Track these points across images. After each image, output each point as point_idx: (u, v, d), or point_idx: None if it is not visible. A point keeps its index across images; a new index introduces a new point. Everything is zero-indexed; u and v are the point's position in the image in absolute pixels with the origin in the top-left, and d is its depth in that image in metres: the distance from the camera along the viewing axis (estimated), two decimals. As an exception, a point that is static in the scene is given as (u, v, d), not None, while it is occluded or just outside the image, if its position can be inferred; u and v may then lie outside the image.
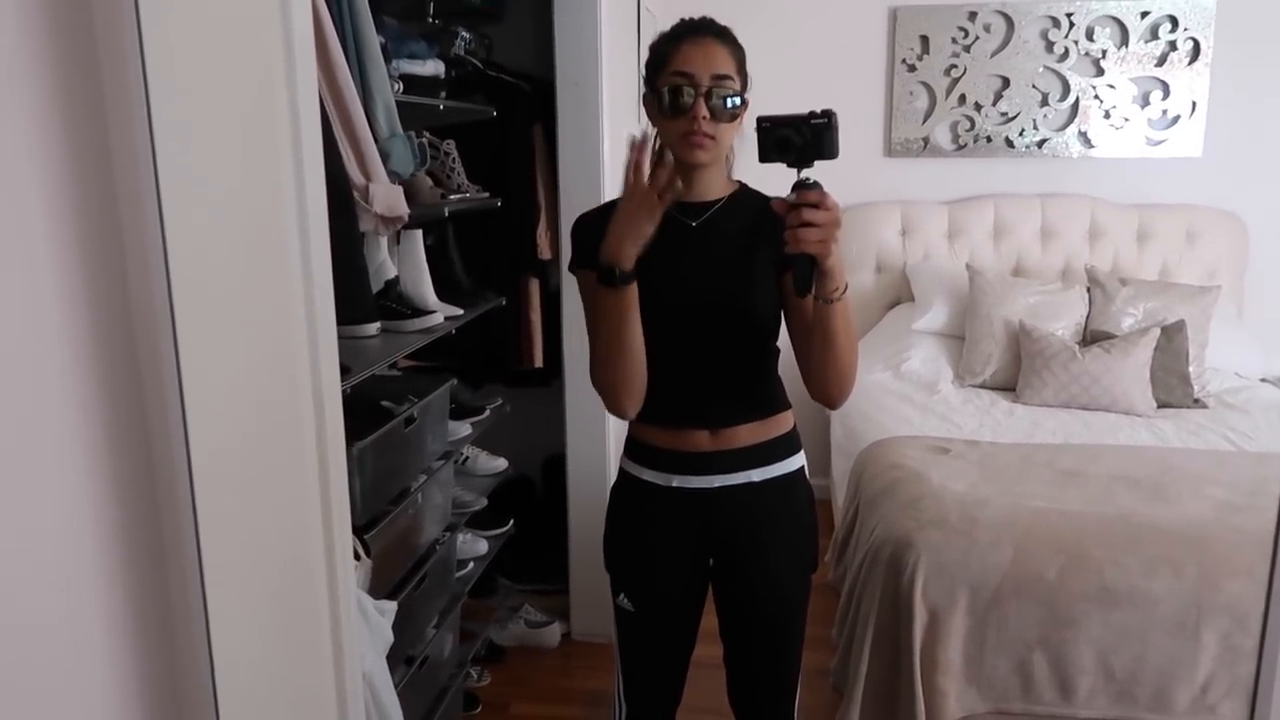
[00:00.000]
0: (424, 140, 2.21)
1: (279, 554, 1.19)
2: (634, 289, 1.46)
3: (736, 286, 1.55)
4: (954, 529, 2.16)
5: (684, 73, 1.46)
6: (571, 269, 1.64)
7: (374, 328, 2.27)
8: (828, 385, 1.51)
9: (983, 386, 3.36)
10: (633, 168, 1.39)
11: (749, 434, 1.60)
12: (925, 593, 2.09)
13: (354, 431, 1.81)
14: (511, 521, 2.80)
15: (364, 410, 2.09)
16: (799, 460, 1.65)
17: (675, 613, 1.68)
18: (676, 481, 1.61)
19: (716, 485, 1.60)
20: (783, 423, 1.64)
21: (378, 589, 1.97)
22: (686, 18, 1.54)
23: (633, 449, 1.67)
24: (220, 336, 1.06)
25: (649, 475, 1.63)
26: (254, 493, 1.13)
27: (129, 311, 0.96)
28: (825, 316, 1.44)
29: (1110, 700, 2.08)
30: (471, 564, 2.56)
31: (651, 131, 1.51)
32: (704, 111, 1.45)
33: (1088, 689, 2.08)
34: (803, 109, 1.38)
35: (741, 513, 1.61)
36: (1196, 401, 3.16)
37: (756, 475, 1.60)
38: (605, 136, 2.73)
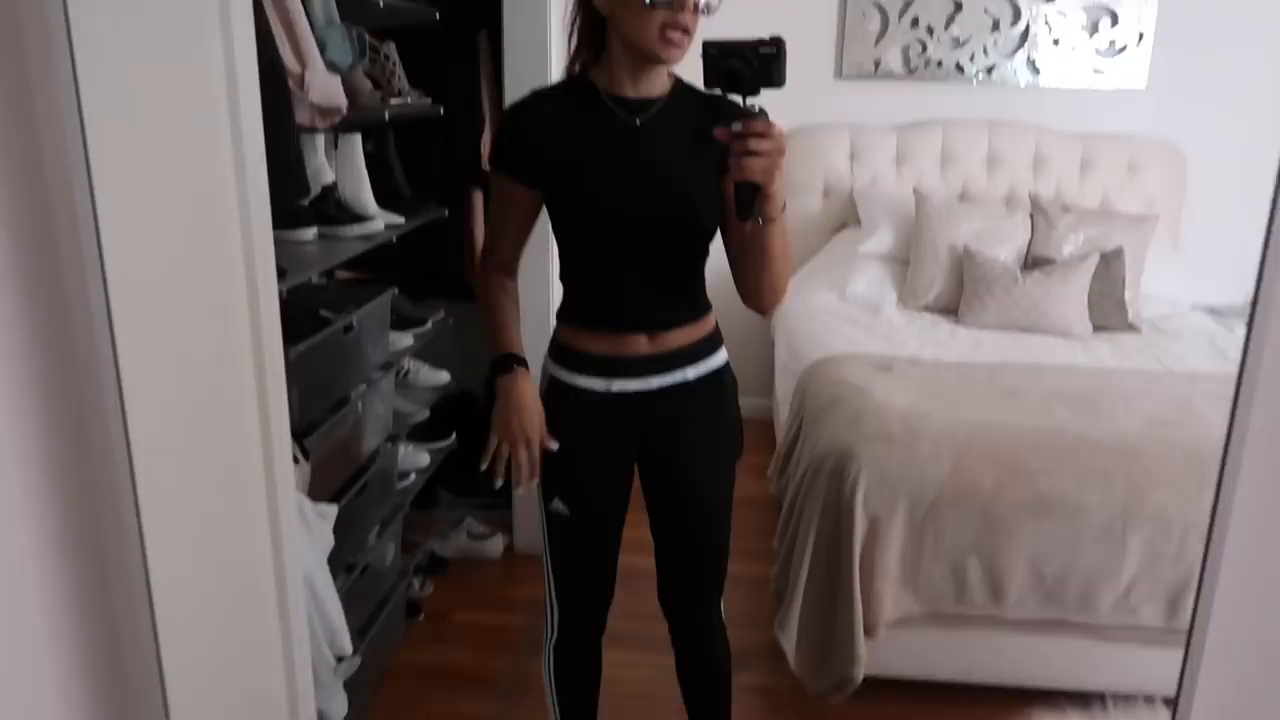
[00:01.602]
0: (363, 34, 2.12)
1: (216, 456, 1.15)
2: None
3: (681, 192, 1.52)
4: (896, 441, 2.19)
5: None
6: (491, 165, 1.59)
7: (311, 232, 2.20)
8: (761, 296, 1.56)
9: (926, 310, 3.39)
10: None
11: (684, 336, 1.61)
12: (866, 502, 2.13)
13: (292, 338, 1.76)
14: (454, 435, 2.77)
15: (302, 318, 2.03)
16: (724, 354, 1.69)
17: (609, 514, 1.69)
18: (616, 386, 1.61)
19: (655, 386, 1.61)
20: (710, 321, 1.67)
21: (317, 494, 1.93)
22: None
23: (564, 356, 1.63)
24: (148, 234, 1.00)
25: (585, 381, 1.61)
26: (190, 394, 1.08)
27: (49, 209, 0.89)
28: (764, 235, 1.46)
29: (1039, 603, 2.15)
30: (413, 476, 2.53)
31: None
32: (695, 1, 1.40)
33: (1018, 593, 2.14)
34: (755, 29, 1.36)
35: (676, 409, 1.63)
36: (1131, 326, 3.24)
37: (691, 373, 1.63)
38: (553, 45, 2.65)
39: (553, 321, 1.68)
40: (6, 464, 0.87)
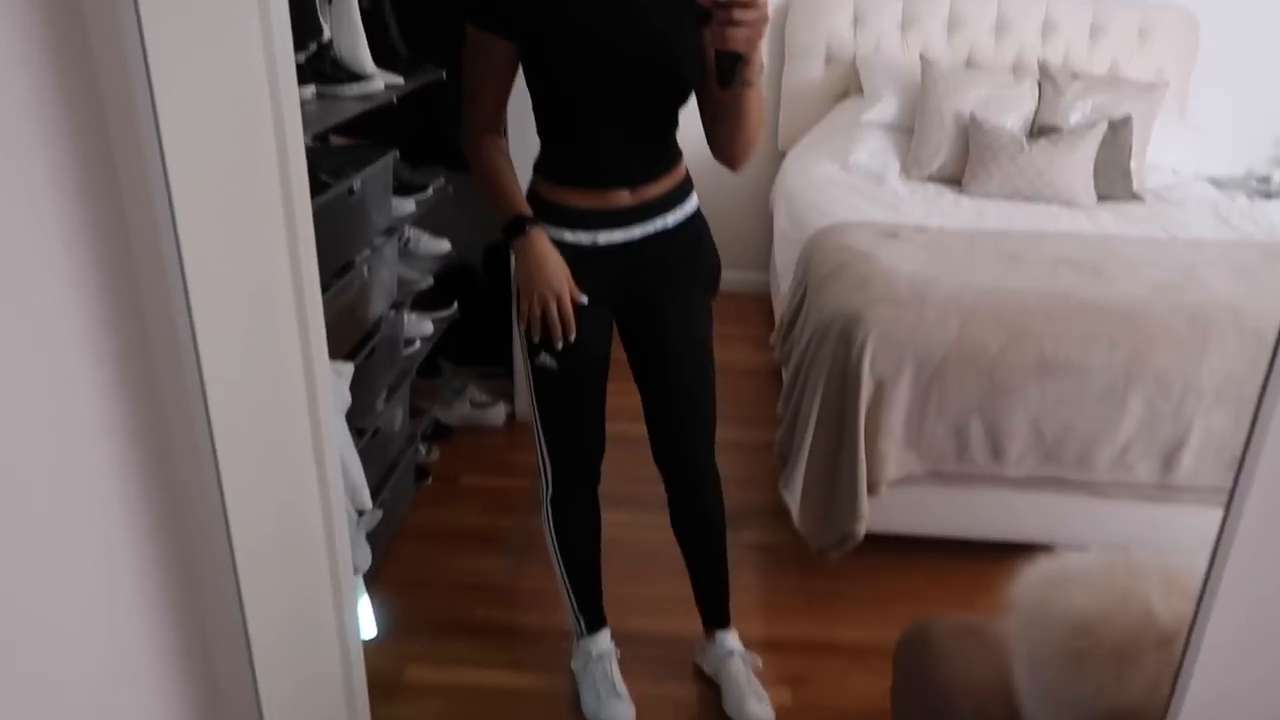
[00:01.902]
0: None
1: (255, 305, 1.14)
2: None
3: (663, 43, 1.52)
4: (903, 304, 2.20)
5: None
6: (469, 20, 1.54)
7: (309, 91, 2.13)
8: (734, 154, 1.62)
9: (929, 180, 3.35)
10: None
11: (662, 185, 1.65)
12: (873, 364, 2.15)
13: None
14: (455, 304, 2.76)
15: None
16: (695, 198, 1.73)
17: (596, 365, 1.72)
18: (602, 239, 1.63)
19: (638, 235, 1.65)
20: (683, 168, 1.70)
21: (330, 356, 1.93)
22: None
23: (547, 211, 1.63)
24: (189, 75, 0.96)
25: (570, 236, 1.63)
26: (232, 245, 1.06)
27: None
28: (740, 98, 1.49)
29: (1038, 461, 2.20)
30: (418, 343, 2.53)
31: None
32: None
33: (1018, 452, 2.19)
34: None
35: (658, 253, 1.67)
36: (1135, 195, 3.22)
37: (670, 219, 1.67)
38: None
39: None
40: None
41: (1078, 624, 1.09)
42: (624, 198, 1.62)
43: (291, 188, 1.16)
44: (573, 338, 1.60)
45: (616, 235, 1.64)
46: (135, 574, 1.00)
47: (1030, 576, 1.23)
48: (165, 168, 0.90)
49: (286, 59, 1.13)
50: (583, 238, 1.63)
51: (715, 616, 2.01)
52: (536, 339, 1.60)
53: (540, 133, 1.63)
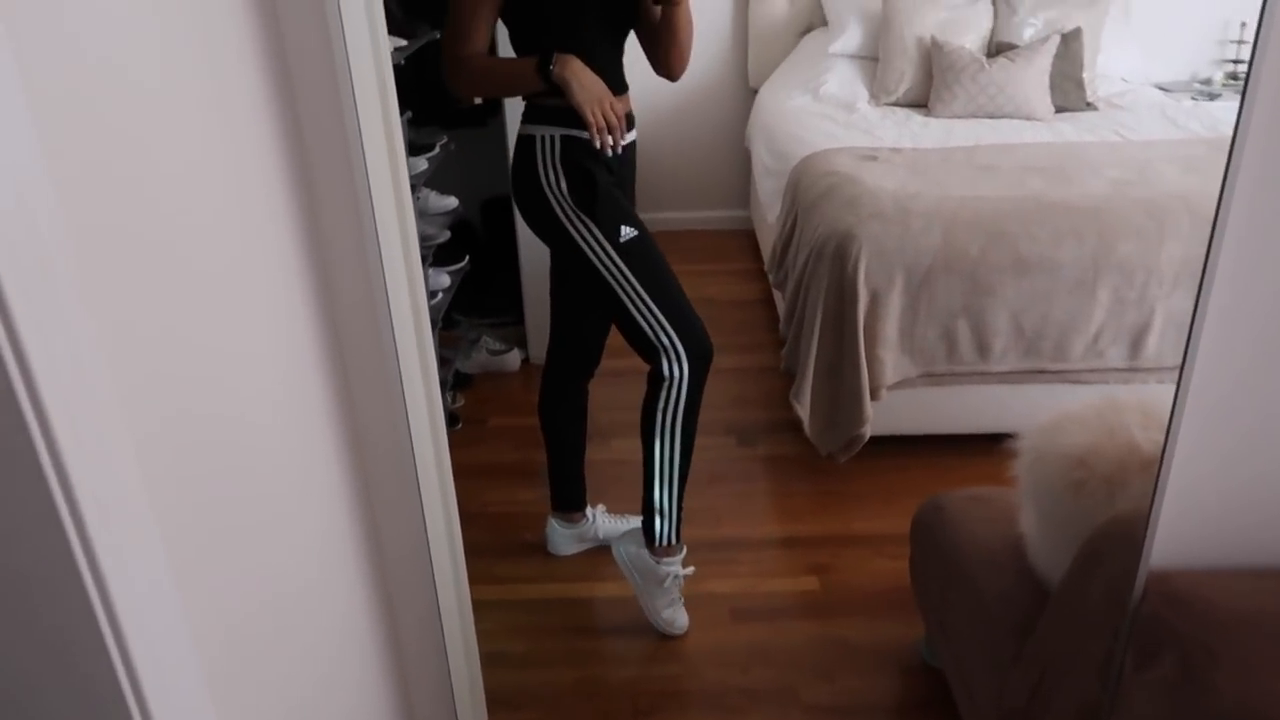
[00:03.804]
0: None
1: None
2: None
3: None
4: (890, 219, 2.39)
5: None
6: None
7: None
8: (671, 66, 1.89)
9: (897, 104, 3.53)
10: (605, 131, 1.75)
11: (627, 100, 1.90)
12: (868, 277, 2.35)
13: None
14: (467, 258, 2.91)
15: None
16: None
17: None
18: (627, 137, 1.88)
19: (628, 141, 1.89)
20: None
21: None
22: None
23: (567, 119, 1.78)
24: None
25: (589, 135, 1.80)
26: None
27: None
28: (671, 16, 1.79)
29: (1019, 356, 2.42)
30: (440, 295, 2.69)
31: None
32: None
33: (1001, 349, 2.41)
34: None
35: (628, 163, 1.94)
36: (1089, 105, 3.43)
37: (633, 135, 1.93)
38: None
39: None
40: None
41: (1074, 458, 1.31)
42: (619, 104, 1.82)
43: (397, 158, 1.30)
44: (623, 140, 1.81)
45: (628, 136, 1.87)
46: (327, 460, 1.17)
47: (1035, 423, 1.44)
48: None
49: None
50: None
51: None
52: (609, 146, 1.77)
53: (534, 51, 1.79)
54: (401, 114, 2.47)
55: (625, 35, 1.86)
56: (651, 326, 1.82)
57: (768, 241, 3.20)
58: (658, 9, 1.79)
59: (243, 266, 0.98)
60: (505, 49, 1.92)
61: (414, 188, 2.59)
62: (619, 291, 1.83)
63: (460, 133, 3.11)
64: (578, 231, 1.83)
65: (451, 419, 2.83)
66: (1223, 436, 1.04)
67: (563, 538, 2.30)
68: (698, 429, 1.93)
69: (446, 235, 2.66)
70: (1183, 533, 1.08)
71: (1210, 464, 1.05)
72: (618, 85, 1.85)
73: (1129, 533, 1.12)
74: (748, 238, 4.24)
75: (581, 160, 1.83)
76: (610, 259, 1.82)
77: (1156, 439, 1.24)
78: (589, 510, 2.31)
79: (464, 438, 2.81)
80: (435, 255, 2.77)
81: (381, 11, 1.17)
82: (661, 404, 1.87)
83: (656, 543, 2.02)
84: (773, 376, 3.03)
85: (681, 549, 2.05)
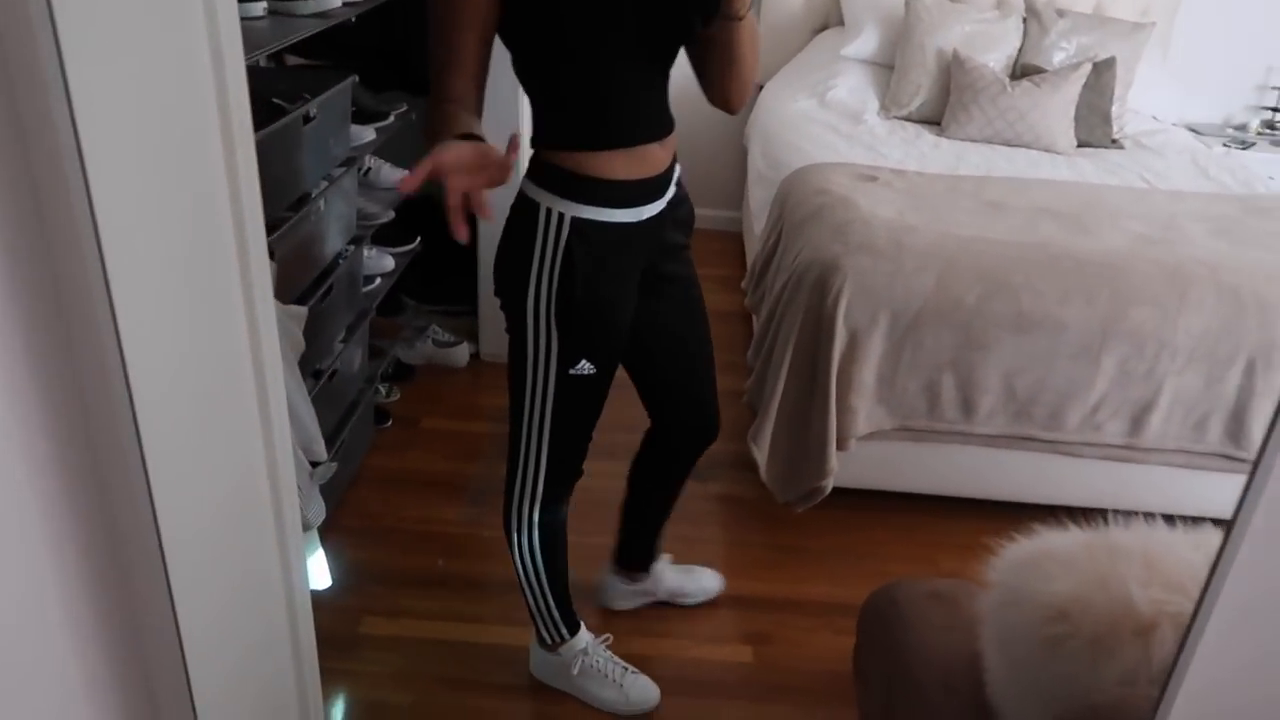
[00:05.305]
0: None
1: (189, 246, 1.04)
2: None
3: None
4: (881, 254, 2.14)
5: None
6: None
7: (259, 7, 1.98)
8: (729, 96, 1.49)
9: (908, 119, 3.27)
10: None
11: (674, 141, 1.52)
12: (848, 314, 2.09)
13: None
14: (419, 239, 2.65)
15: (255, 106, 1.86)
16: None
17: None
18: (647, 212, 1.48)
19: (664, 203, 1.51)
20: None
21: (283, 297, 1.84)
22: None
23: (587, 191, 1.41)
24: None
25: (621, 215, 1.44)
26: (156, 183, 0.96)
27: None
28: (731, 33, 1.39)
29: (1008, 419, 2.18)
30: (379, 280, 2.43)
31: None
32: None
33: (989, 408, 2.17)
34: None
35: (672, 221, 1.56)
36: (1114, 142, 3.17)
37: (679, 185, 1.56)
38: None
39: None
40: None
41: (1055, 609, 1.06)
42: (657, 153, 1.45)
43: (230, 111, 1.05)
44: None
45: (659, 205, 1.49)
46: (50, 538, 0.92)
47: (1009, 555, 1.19)
48: (66, 82, 0.78)
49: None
50: (630, 215, 1.45)
51: (657, 547, 2.03)
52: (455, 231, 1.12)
53: (546, 97, 1.41)
54: (352, 76, 2.21)
55: (671, 60, 1.43)
56: (524, 475, 1.61)
57: (752, 254, 2.94)
58: (713, 24, 1.37)
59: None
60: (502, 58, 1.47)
61: (360, 159, 2.32)
62: (524, 414, 1.55)
63: (425, 100, 2.83)
64: (534, 335, 1.49)
65: (381, 415, 2.58)
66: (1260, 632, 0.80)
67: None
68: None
69: (390, 215, 2.40)
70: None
71: (1232, 669, 0.81)
72: (657, 127, 1.45)
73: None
74: (738, 241, 3.97)
75: (585, 247, 1.42)
76: (544, 381, 1.51)
77: (1159, 600, 1.00)
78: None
79: (392, 439, 2.56)
80: (382, 235, 2.51)
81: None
82: (515, 526, 1.70)
83: (547, 642, 1.84)
84: (740, 404, 2.78)
85: (575, 637, 1.84)
